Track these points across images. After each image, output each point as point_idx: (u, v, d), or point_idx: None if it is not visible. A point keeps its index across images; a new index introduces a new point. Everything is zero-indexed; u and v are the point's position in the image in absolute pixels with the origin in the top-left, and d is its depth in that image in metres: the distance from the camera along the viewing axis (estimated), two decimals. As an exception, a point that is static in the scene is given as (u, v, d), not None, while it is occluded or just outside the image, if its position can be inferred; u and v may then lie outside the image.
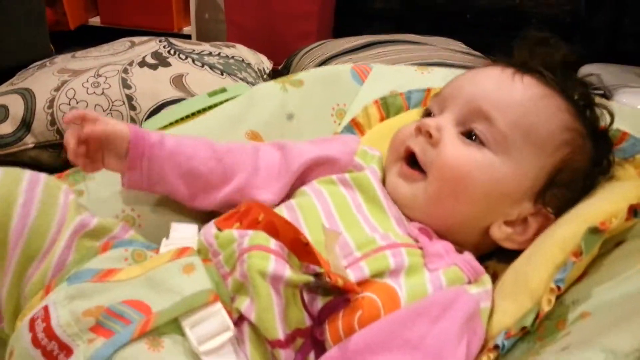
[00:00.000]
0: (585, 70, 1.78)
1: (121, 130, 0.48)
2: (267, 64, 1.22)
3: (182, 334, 0.36)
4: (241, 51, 1.17)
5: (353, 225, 0.44)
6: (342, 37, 1.70)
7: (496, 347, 0.38)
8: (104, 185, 0.54)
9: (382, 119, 0.61)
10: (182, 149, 0.50)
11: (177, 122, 0.58)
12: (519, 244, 0.46)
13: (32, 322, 0.37)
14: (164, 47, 1.06)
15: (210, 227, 0.46)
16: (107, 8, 1.76)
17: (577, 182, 0.46)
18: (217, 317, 0.37)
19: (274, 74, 1.23)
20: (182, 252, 0.41)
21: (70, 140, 0.47)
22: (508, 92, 0.46)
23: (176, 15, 1.74)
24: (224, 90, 0.60)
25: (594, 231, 0.39)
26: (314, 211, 0.45)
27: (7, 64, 1.20)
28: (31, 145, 0.91)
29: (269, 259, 0.38)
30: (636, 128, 0.54)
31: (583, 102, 0.49)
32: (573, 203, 0.46)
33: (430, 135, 0.46)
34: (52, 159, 0.93)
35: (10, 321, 0.42)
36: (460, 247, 0.45)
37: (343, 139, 0.55)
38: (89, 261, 0.42)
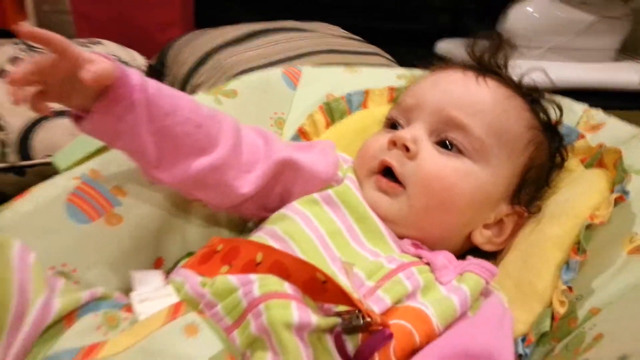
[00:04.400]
0: (440, 46, 1.92)
1: (105, 66, 0.38)
2: (140, 61, 1.11)
3: None
4: (111, 48, 1.06)
5: (351, 253, 0.41)
6: (204, 25, 1.61)
7: (519, 356, 0.39)
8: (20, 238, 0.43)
9: (328, 125, 0.58)
10: (162, 100, 0.41)
11: (99, 151, 0.48)
12: (497, 245, 0.47)
13: None
14: (23, 50, 0.91)
15: (187, 274, 0.39)
16: None
17: (542, 178, 0.49)
18: None
19: (150, 71, 1.13)
20: (175, 310, 0.34)
21: (32, 65, 0.37)
22: (477, 97, 0.46)
23: (9, 10, 1.49)
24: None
25: (589, 227, 0.41)
26: (308, 241, 0.41)
27: None
28: None
29: (290, 307, 0.33)
30: (565, 116, 0.57)
31: (534, 96, 0.50)
32: (537, 198, 0.48)
33: (407, 148, 0.44)
34: None
35: None
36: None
37: (321, 146, 0.50)
38: (57, 340, 0.33)
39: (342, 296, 0.34)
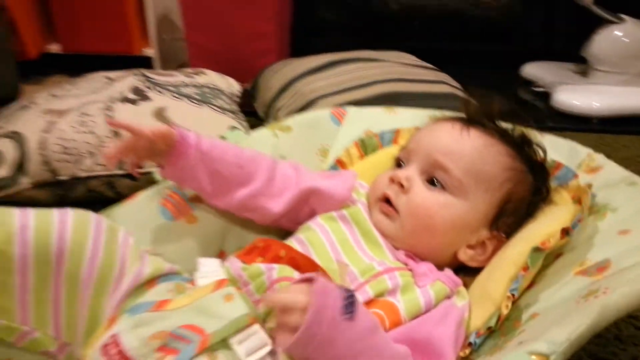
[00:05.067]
0: (526, 69, 1.96)
1: (169, 132, 0.57)
2: (236, 87, 1.29)
3: (230, 349, 0.46)
4: (212, 77, 1.25)
5: (354, 256, 0.55)
6: (299, 50, 1.81)
7: (470, 344, 0.50)
8: (125, 227, 0.62)
9: (361, 157, 0.72)
10: (213, 152, 0.60)
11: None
12: (480, 262, 0.58)
13: (105, 348, 0.46)
14: (142, 81, 1.13)
15: (234, 261, 0.55)
16: (66, 35, 1.78)
17: (521, 209, 0.59)
18: (257, 335, 0.46)
19: (244, 95, 1.32)
20: (220, 284, 0.50)
21: (119, 147, 0.57)
22: (458, 145, 0.58)
23: (136, 38, 1.78)
24: (223, 138, 0.69)
25: (537, 250, 0.51)
26: (322, 246, 0.56)
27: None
28: (28, 186, 0.97)
29: None
30: (570, 157, 0.67)
31: (521, 142, 0.61)
32: (520, 225, 0.59)
33: (401, 185, 0.58)
34: (47, 196, 1.00)
35: (83, 346, 0.50)
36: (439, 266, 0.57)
37: (344, 174, 0.66)
38: (142, 296, 0.51)
39: None
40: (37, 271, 0.47)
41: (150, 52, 1.81)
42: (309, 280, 0.42)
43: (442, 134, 0.60)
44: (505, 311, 0.50)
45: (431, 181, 0.58)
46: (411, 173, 0.58)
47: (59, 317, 0.49)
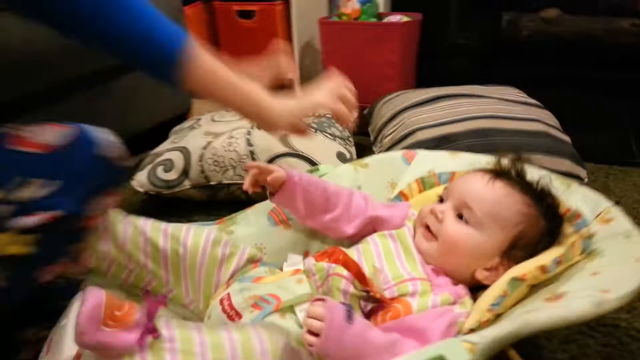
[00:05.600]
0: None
1: (280, 174, 0.83)
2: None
3: (294, 314, 0.70)
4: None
5: (392, 265, 0.77)
6: (423, 75, 1.99)
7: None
8: (244, 227, 0.91)
9: (420, 191, 0.93)
10: (309, 187, 0.84)
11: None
12: (492, 282, 0.75)
13: (221, 301, 0.75)
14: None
15: (311, 259, 0.80)
16: (229, 57, 2.16)
17: (530, 246, 0.75)
18: None
19: (361, 116, 1.54)
20: (296, 272, 0.78)
21: (251, 179, 0.84)
22: (483, 191, 0.77)
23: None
24: (317, 169, 0.95)
25: (516, 279, 0.69)
26: (371, 255, 0.78)
27: (159, 120, 1.63)
28: (188, 187, 1.33)
29: (342, 281, 0.71)
30: (594, 209, 0.81)
31: (540, 193, 0.78)
32: (530, 257, 0.75)
33: (437, 217, 0.78)
34: (201, 195, 1.34)
35: (204, 301, 0.80)
36: (456, 282, 0.76)
37: (401, 207, 0.87)
38: (248, 272, 0.80)
39: (367, 283, 0.71)
40: (172, 259, 0.78)
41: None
42: (323, 300, 0.63)
43: (474, 181, 0.79)
44: (484, 319, 0.68)
45: (460, 216, 0.77)
46: (445, 208, 0.78)
47: (187, 284, 0.79)
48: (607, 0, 2.26)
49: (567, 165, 1.26)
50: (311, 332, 0.61)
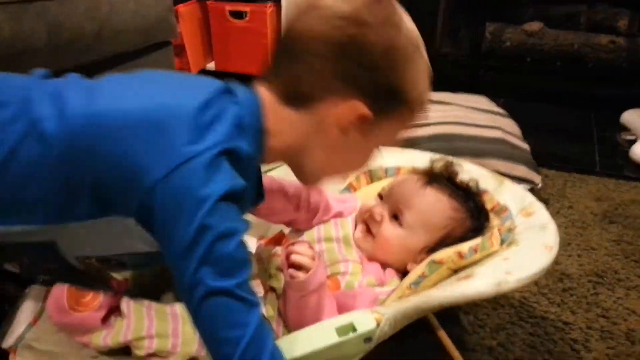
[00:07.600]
0: (625, 116, 2.02)
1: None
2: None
3: None
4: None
5: (330, 249, 0.85)
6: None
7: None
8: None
9: (368, 183, 1.01)
10: (267, 193, 0.87)
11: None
12: None
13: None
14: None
15: (261, 244, 0.88)
16: (221, 55, 2.20)
17: (455, 243, 0.83)
18: (255, 286, 0.78)
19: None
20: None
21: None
22: (416, 199, 0.85)
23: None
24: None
25: (434, 262, 0.77)
26: (312, 238, 0.86)
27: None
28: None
29: (279, 260, 0.78)
30: (520, 203, 0.89)
31: (467, 196, 0.86)
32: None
33: (376, 220, 0.85)
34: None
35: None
36: (389, 268, 0.84)
37: (351, 201, 0.94)
38: None
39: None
40: None
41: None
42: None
43: (408, 187, 0.87)
44: (404, 296, 0.76)
45: (394, 217, 0.85)
46: (383, 210, 0.86)
47: None
48: (589, 17, 2.34)
49: (521, 170, 1.34)
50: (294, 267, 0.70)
